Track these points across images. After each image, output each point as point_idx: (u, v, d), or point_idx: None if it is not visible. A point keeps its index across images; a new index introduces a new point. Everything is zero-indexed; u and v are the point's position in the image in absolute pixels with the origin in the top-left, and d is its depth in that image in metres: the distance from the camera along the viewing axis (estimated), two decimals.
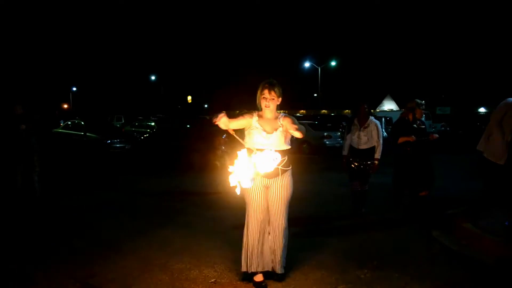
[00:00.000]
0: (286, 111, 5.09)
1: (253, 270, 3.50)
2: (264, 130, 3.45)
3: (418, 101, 5.68)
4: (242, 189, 3.37)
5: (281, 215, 3.52)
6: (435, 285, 3.51)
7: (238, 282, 3.55)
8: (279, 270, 3.54)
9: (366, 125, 5.65)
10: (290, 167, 3.56)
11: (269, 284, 3.50)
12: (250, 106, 4.36)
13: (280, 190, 3.50)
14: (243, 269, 3.55)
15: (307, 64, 39.53)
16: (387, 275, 3.70)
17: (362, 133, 5.62)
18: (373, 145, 5.62)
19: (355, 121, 5.74)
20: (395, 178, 5.72)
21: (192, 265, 3.93)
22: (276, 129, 3.46)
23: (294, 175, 3.63)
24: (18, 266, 3.92)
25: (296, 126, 3.33)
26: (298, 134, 3.36)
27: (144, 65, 49.34)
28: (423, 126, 5.70)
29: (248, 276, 3.54)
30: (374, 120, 5.72)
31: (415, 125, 5.60)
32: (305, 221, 5.44)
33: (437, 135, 5.86)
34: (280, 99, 3.52)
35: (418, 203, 5.45)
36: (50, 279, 3.61)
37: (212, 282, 3.57)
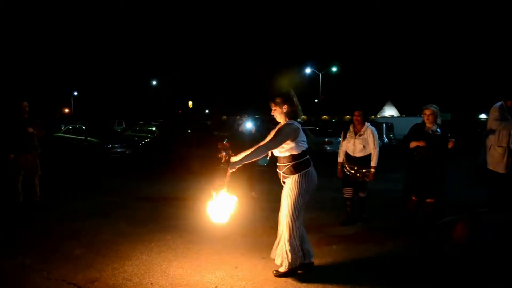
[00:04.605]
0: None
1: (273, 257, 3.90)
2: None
3: (433, 107, 5.38)
4: None
5: (283, 214, 3.78)
6: None
7: None
8: (275, 261, 3.82)
9: (361, 132, 5.55)
10: (294, 174, 3.80)
11: None
12: (251, 111, 4.49)
13: (285, 191, 3.81)
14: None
15: (308, 70, 39.61)
16: (388, 282, 3.70)
17: (357, 141, 5.52)
18: (369, 152, 5.52)
19: (351, 128, 5.67)
20: (405, 182, 5.63)
21: (193, 270, 3.93)
22: None
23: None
24: (18, 271, 3.91)
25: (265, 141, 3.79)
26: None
27: (146, 70, 49.48)
28: (438, 133, 5.37)
29: None
30: (370, 127, 5.56)
31: (430, 131, 5.40)
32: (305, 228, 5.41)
33: (453, 140, 5.40)
34: (285, 106, 3.80)
35: (423, 209, 5.37)
36: (50, 285, 3.60)
37: None
